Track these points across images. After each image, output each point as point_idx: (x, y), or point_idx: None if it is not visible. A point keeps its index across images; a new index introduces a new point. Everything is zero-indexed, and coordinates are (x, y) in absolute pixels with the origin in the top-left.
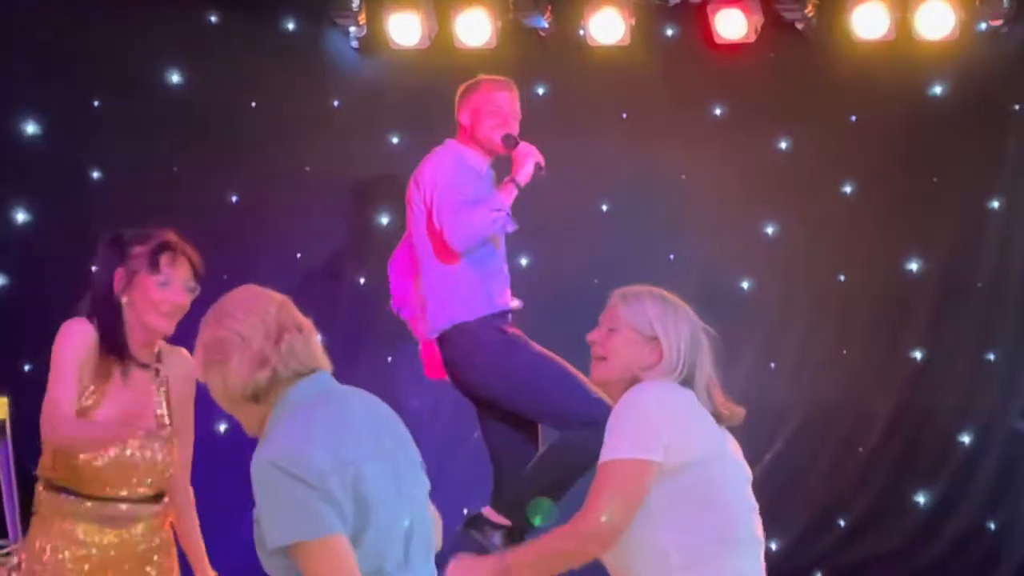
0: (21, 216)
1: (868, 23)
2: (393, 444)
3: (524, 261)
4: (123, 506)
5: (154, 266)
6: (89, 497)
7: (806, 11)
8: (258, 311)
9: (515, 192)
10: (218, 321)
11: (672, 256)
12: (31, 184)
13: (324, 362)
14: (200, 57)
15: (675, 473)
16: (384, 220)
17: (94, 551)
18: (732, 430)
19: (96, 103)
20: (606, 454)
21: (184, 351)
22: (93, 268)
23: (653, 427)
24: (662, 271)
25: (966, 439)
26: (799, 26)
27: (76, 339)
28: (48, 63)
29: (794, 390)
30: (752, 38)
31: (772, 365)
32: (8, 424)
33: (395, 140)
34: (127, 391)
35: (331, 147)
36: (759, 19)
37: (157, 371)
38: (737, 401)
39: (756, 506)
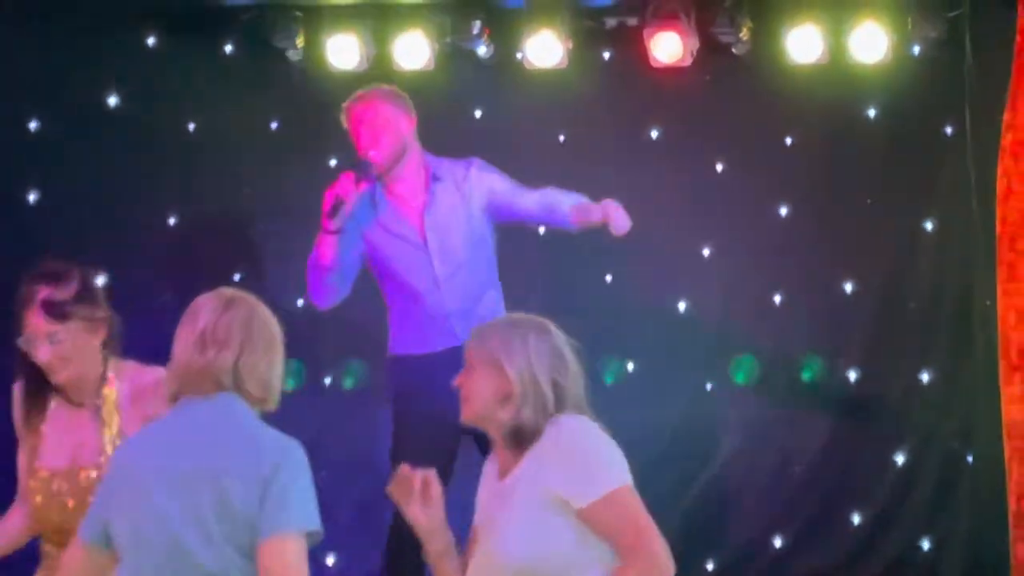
0: None
1: (802, 46)
2: (201, 467)
3: None
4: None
5: (20, 325)
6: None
7: (741, 35)
8: (186, 324)
9: (322, 236)
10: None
11: (609, 277)
12: None
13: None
14: (138, 80)
15: None
16: None
17: None
18: (670, 450)
19: (32, 125)
20: (611, 481)
21: (130, 367)
22: None
23: (619, 455)
24: (598, 292)
25: (900, 459)
26: (734, 50)
27: (13, 403)
28: None
29: (730, 411)
30: (688, 61)
31: (708, 386)
32: None
33: (333, 163)
34: (66, 431)
35: (269, 169)
36: (694, 43)
37: (97, 406)
38: (674, 422)
39: None
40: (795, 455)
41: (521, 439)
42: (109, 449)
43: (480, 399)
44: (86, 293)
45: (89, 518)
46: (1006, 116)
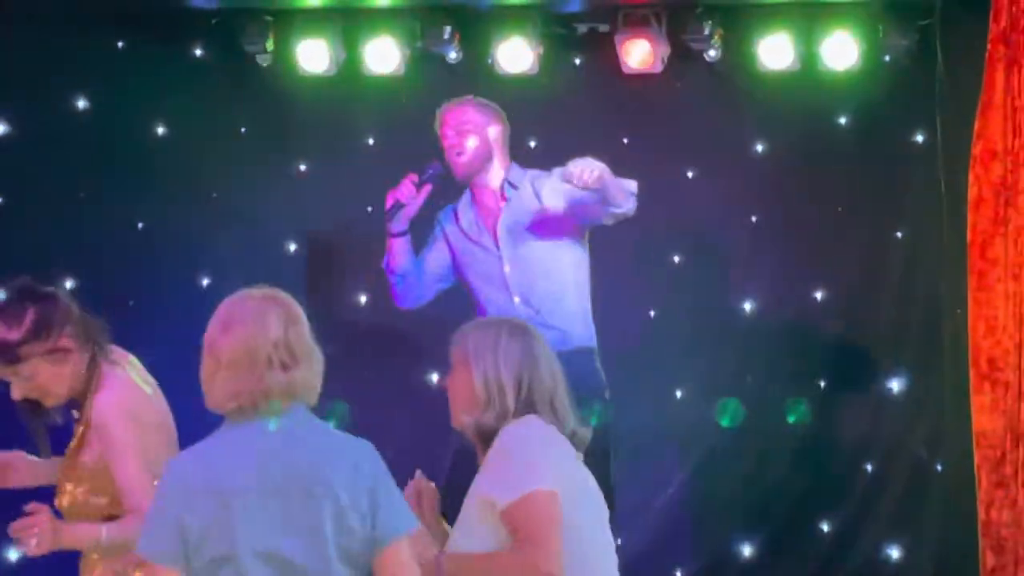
0: None
1: (774, 54)
2: (308, 487)
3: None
4: None
5: None
6: None
7: (712, 42)
8: (259, 337)
9: (389, 242)
10: (223, 326)
11: None
12: None
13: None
14: (106, 82)
15: None
16: (291, 247)
17: None
18: (638, 458)
19: (0, 128)
20: (523, 485)
21: (101, 387)
22: None
23: (540, 458)
24: None
25: (869, 467)
26: (705, 57)
27: None
28: None
29: (699, 419)
30: (659, 68)
31: (678, 394)
32: None
33: (303, 167)
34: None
35: (238, 173)
36: (666, 49)
37: (76, 419)
38: (643, 429)
39: (612, 543)
40: (764, 463)
41: (486, 442)
42: (64, 472)
43: (456, 405)
44: (41, 330)
45: (162, 535)
46: (977, 125)
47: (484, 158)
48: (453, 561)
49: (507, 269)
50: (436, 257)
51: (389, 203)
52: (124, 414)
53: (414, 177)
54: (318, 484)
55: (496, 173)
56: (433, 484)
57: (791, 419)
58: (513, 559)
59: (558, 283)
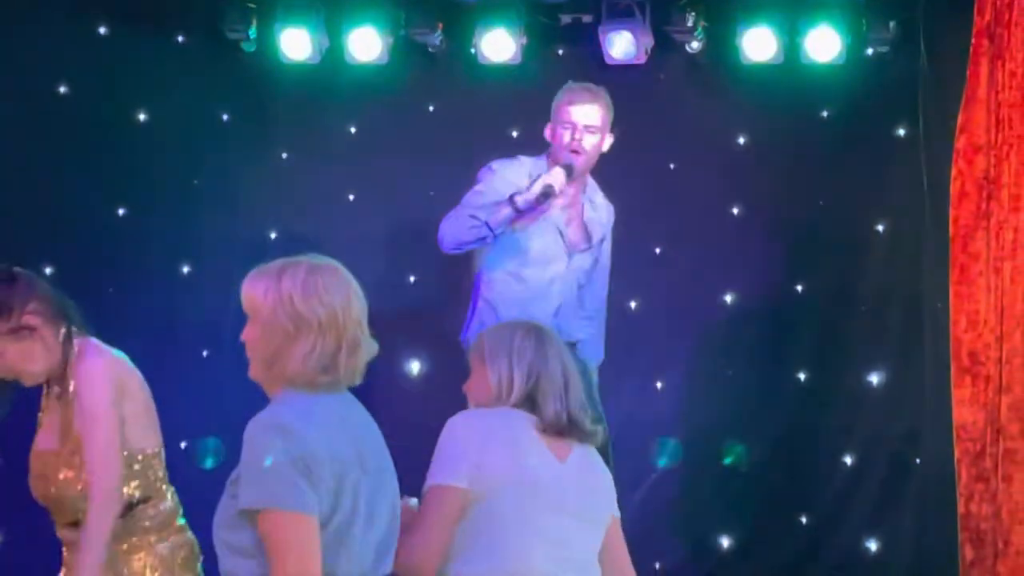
0: None
1: (757, 46)
2: (380, 464)
3: (412, 278)
4: (65, 532)
5: None
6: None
7: (695, 34)
8: (347, 309)
9: (508, 211)
10: (305, 292)
11: None
12: None
13: (360, 380)
14: (89, 68)
15: (476, 503)
16: (272, 235)
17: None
18: (617, 448)
19: None
20: (435, 479)
21: (80, 359)
22: None
23: (460, 453)
24: None
25: (849, 460)
26: (688, 48)
27: None
28: None
29: (679, 410)
30: (642, 59)
31: (658, 385)
32: None
33: (285, 155)
34: (56, 417)
35: (220, 161)
36: (649, 41)
37: (58, 393)
38: (622, 420)
39: (561, 539)
40: (743, 455)
41: None
42: (60, 436)
43: (475, 398)
44: (9, 297)
45: (307, 493)
46: (960, 119)
47: (591, 165)
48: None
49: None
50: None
51: (537, 184)
52: (107, 380)
53: (560, 169)
54: (384, 464)
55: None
56: (414, 500)
57: (727, 461)
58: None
59: (600, 301)
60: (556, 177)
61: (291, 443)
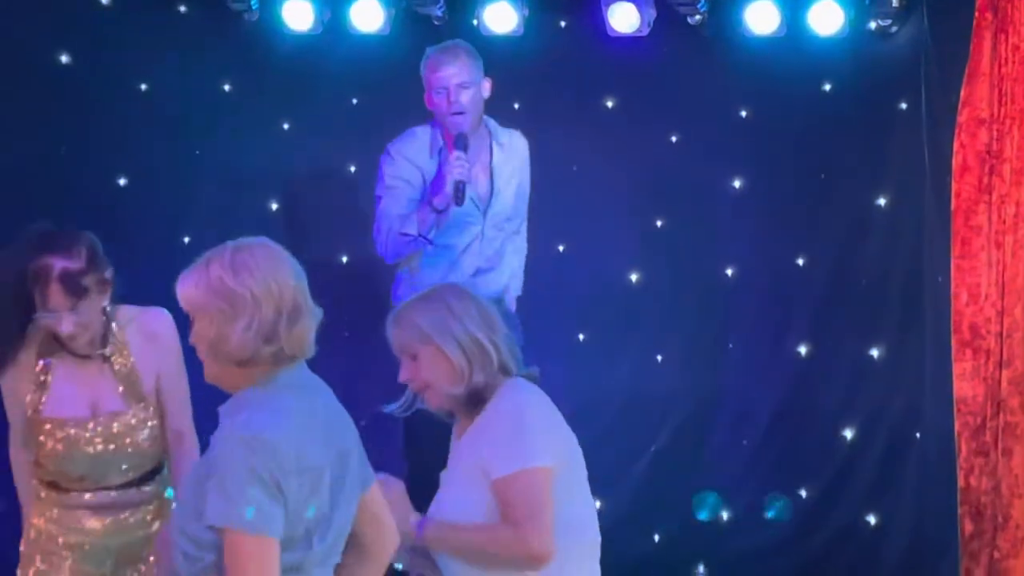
0: None
1: (760, 19)
2: (345, 448)
3: None
4: (114, 494)
5: (33, 301)
6: (73, 491)
7: (699, 6)
8: (279, 279)
9: (432, 216)
10: (234, 270)
11: (561, 248)
12: None
13: (312, 351)
14: (90, 38)
15: (554, 478)
16: (274, 206)
17: (89, 539)
18: (619, 420)
19: None
20: (518, 461)
21: (154, 313)
22: None
23: (538, 434)
24: (552, 262)
25: (849, 434)
26: (691, 21)
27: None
28: None
29: (680, 383)
30: (645, 32)
31: (658, 358)
32: None
33: (286, 126)
34: (74, 383)
35: (222, 132)
36: (652, 13)
37: (105, 356)
38: (623, 393)
39: (593, 504)
40: (744, 428)
41: (477, 401)
42: (125, 397)
43: (439, 386)
44: (96, 260)
45: (275, 513)
46: (963, 92)
47: (479, 115)
48: (437, 528)
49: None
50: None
51: (449, 185)
52: (173, 326)
53: (460, 154)
54: (346, 447)
55: (482, 126)
56: (401, 484)
57: (770, 515)
58: (502, 533)
59: (512, 245)
60: (459, 167)
61: (262, 459)
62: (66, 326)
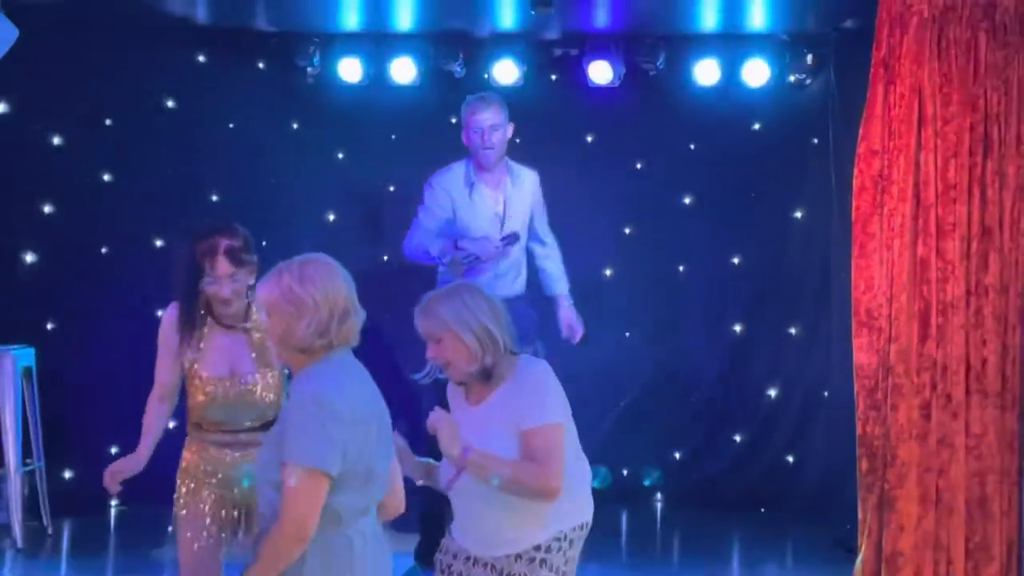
0: (47, 208)
1: (705, 73)
2: (382, 411)
3: None
4: (242, 435)
5: (202, 269)
6: (216, 431)
7: (658, 63)
8: (332, 288)
9: (452, 253)
10: (300, 280)
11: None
12: (54, 185)
13: (357, 341)
14: (190, 87)
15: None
16: (331, 217)
17: (221, 468)
18: (596, 383)
19: (108, 121)
20: (553, 417)
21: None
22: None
23: (556, 395)
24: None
25: (772, 393)
26: (652, 75)
27: (163, 321)
28: (72, 90)
29: (644, 354)
30: (616, 83)
31: (627, 334)
32: (34, 370)
33: (340, 156)
34: (223, 348)
35: (291, 160)
36: (622, 68)
37: (246, 329)
38: (601, 362)
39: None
40: (692, 388)
41: (489, 377)
42: (257, 364)
43: (458, 364)
44: (250, 244)
45: (336, 455)
46: (861, 130)
47: (503, 151)
48: (478, 455)
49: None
50: (441, 219)
51: (472, 256)
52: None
53: (497, 243)
54: (385, 409)
55: (502, 163)
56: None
57: (646, 482)
58: (529, 467)
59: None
60: (484, 249)
61: (326, 415)
62: (227, 290)
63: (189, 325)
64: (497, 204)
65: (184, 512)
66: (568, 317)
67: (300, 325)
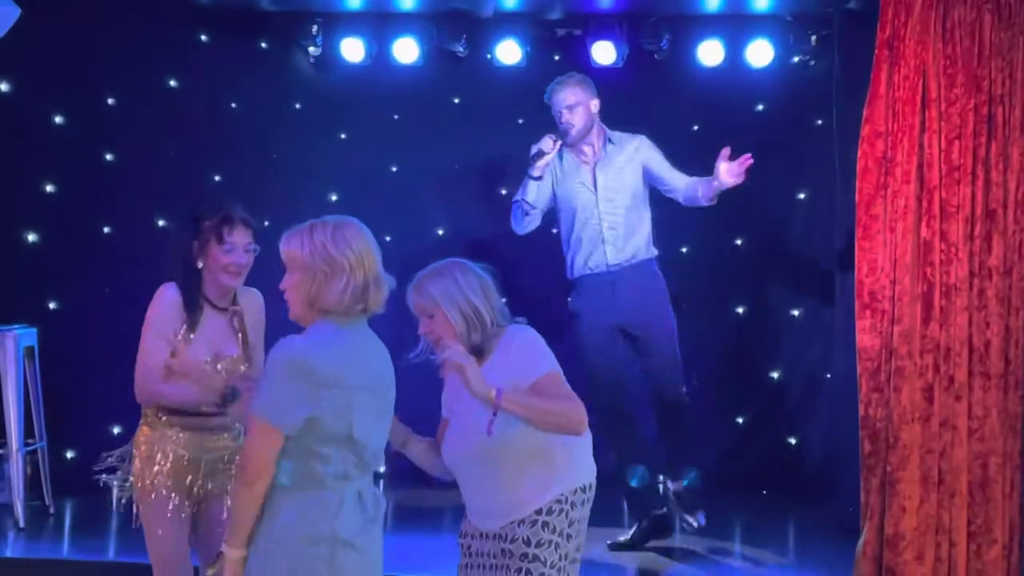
0: (49, 188)
1: (709, 54)
2: (384, 383)
3: (440, 231)
4: (214, 420)
5: (220, 237)
6: (180, 413)
7: (661, 44)
8: (368, 251)
9: (527, 180)
10: (335, 241)
11: (555, 230)
12: (56, 165)
13: (382, 308)
14: (192, 67)
15: None
16: (333, 196)
17: (189, 453)
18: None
19: (110, 100)
20: (551, 366)
21: (255, 290)
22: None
23: (549, 352)
24: (545, 241)
25: (775, 375)
26: (656, 56)
27: (161, 302)
28: (74, 69)
29: None
30: (620, 64)
31: None
32: (36, 350)
33: (343, 135)
34: (210, 331)
35: (293, 140)
36: (625, 49)
37: (233, 312)
38: None
39: None
40: (695, 369)
41: (480, 353)
42: (239, 345)
43: (450, 335)
44: (252, 226)
45: (295, 412)
46: (865, 112)
47: (589, 125)
48: (512, 393)
49: (600, 204)
50: (546, 194)
51: (533, 151)
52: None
53: (553, 135)
54: (390, 382)
55: (595, 133)
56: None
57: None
58: (561, 400)
59: (633, 220)
60: (543, 143)
61: (295, 371)
62: (244, 258)
63: (192, 308)
64: (586, 175)
65: (152, 497)
66: (722, 165)
67: (334, 286)
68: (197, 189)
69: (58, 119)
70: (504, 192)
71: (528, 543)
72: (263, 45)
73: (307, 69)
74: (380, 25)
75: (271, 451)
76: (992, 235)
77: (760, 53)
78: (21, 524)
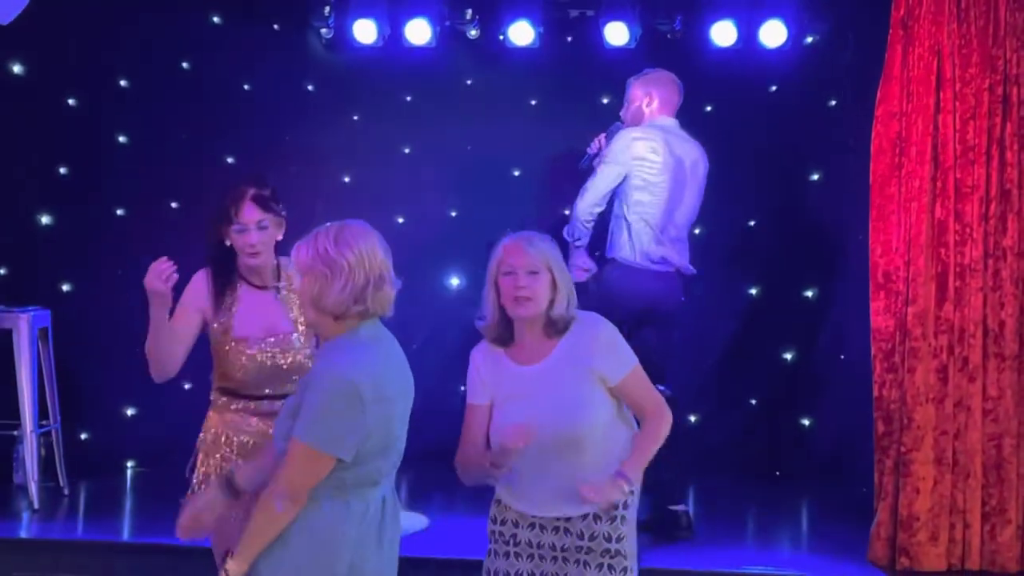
0: (62, 170)
1: (722, 35)
2: (408, 387)
3: (453, 213)
4: (277, 403)
5: (229, 219)
6: (246, 397)
7: (675, 24)
8: (369, 252)
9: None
10: (336, 242)
11: (567, 211)
12: (69, 147)
13: (391, 311)
14: (205, 49)
15: None
16: (346, 178)
17: (252, 438)
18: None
19: (123, 83)
20: (636, 358)
21: (286, 261)
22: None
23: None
24: (558, 222)
25: (788, 356)
26: (669, 36)
27: (189, 288)
28: (87, 52)
29: None
30: (632, 45)
31: None
32: (50, 332)
33: (355, 117)
34: (255, 309)
35: (306, 121)
36: (638, 30)
37: (278, 289)
38: None
39: None
40: (708, 351)
41: (556, 328)
42: (297, 324)
43: (539, 303)
44: (277, 195)
45: (350, 439)
46: (879, 92)
47: (639, 117)
48: (631, 467)
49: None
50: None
51: (594, 149)
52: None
53: (603, 137)
54: (412, 383)
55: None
56: None
57: None
58: (656, 420)
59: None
60: (595, 145)
61: (347, 400)
62: (254, 237)
63: (221, 288)
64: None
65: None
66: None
67: (334, 287)
68: (209, 171)
69: (71, 102)
70: (517, 174)
71: (609, 539)
72: (276, 27)
73: (319, 51)
74: (392, 6)
75: (316, 478)
76: (1007, 215)
77: (774, 33)
78: (36, 505)
